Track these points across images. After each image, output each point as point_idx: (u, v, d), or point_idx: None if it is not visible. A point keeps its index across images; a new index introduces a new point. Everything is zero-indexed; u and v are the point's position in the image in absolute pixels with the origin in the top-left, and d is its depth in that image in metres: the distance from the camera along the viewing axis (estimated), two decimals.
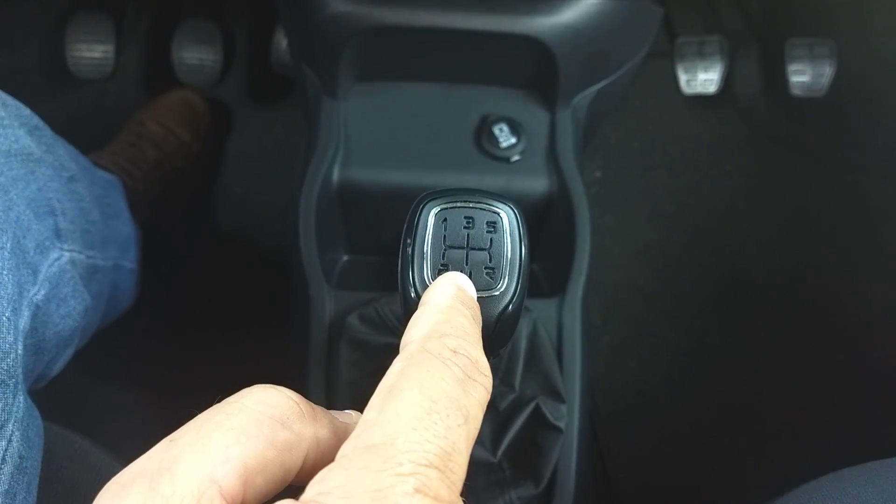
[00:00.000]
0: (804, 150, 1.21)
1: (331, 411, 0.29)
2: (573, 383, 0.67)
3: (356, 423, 0.27)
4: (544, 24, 0.71)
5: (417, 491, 0.22)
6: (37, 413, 0.52)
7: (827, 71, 1.17)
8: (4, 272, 0.50)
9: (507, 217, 0.37)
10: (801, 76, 1.17)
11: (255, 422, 0.25)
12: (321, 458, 0.27)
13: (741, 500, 1.03)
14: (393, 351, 0.36)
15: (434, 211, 0.37)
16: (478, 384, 0.26)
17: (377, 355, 0.66)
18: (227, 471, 0.24)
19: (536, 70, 0.75)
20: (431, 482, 0.22)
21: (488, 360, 0.44)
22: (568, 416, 0.64)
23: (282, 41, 1.19)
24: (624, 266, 1.16)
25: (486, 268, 0.36)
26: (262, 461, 0.25)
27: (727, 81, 1.21)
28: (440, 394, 0.25)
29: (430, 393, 0.25)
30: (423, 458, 0.23)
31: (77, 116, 1.20)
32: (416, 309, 0.36)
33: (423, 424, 0.24)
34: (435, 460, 0.23)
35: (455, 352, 0.27)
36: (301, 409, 0.27)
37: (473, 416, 0.26)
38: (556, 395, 0.64)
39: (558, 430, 0.63)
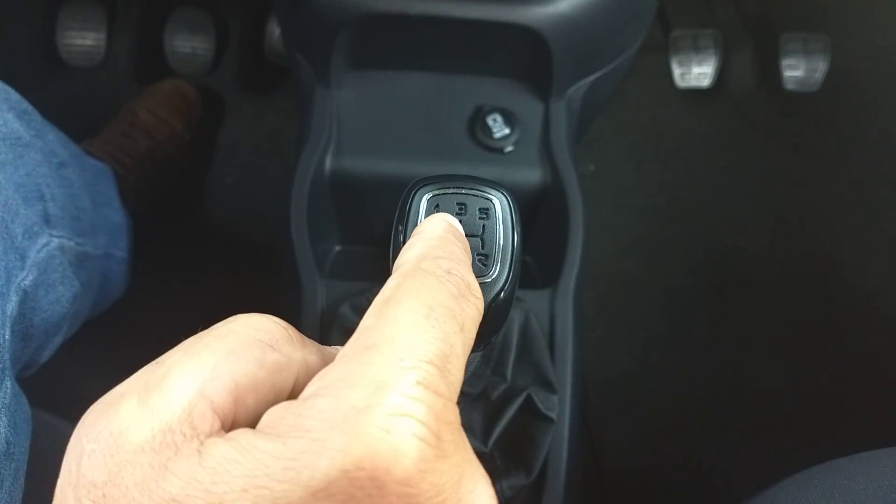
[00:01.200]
0: (797, 144, 1.22)
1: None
2: (565, 374, 0.67)
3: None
4: (539, 13, 0.70)
5: (419, 383, 0.22)
6: (24, 399, 0.52)
7: (821, 66, 1.17)
8: None
9: (499, 204, 0.36)
10: (795, 71, 1.17)
11: (243, 342, 0.25)
12: (308, 381, 0.26)
13: (732, 491, 1.03)
14: None
15: (426, 197, 0.36)
16: (470, 302, 0.27)
17: None
18: (218, 387, 0.23)
19: (531, 60, 0.75)
20: (432, 377, 0.23)
21: (479, 349, 0.44)
22: (559, 407, 0.64)
23: (275, 30, 1.19)
24: (617, 259, 1.16)
25: (478, 254, 0.36)
26: (253, 380, 0.24)
27: (721, 75, 1.21)
28: (437, 303, 0.25)
29: (427, 301, 0.25)
30: (424, 355, 0.23)
31: (68, 104, 1.19)
32: None
33: (422, 327, 0.24)
34: (434, 359, 0.23)
35: (449, 272, 0.27)
36: (289, 333, 0.27)
37: (468, 329, 0.26)
38: (548, 386, 0.64)
39: (550, 420, 0.63)
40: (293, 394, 0.26)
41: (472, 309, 0.27)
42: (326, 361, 0.27)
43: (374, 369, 0.22)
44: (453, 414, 0.23)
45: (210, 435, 0.22)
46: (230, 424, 0.24)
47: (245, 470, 0.21)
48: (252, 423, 0.24)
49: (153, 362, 0.25)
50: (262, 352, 0.25)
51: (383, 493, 0.21)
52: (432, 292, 0.26)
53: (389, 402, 0.21)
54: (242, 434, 0.22)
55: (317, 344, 0.28)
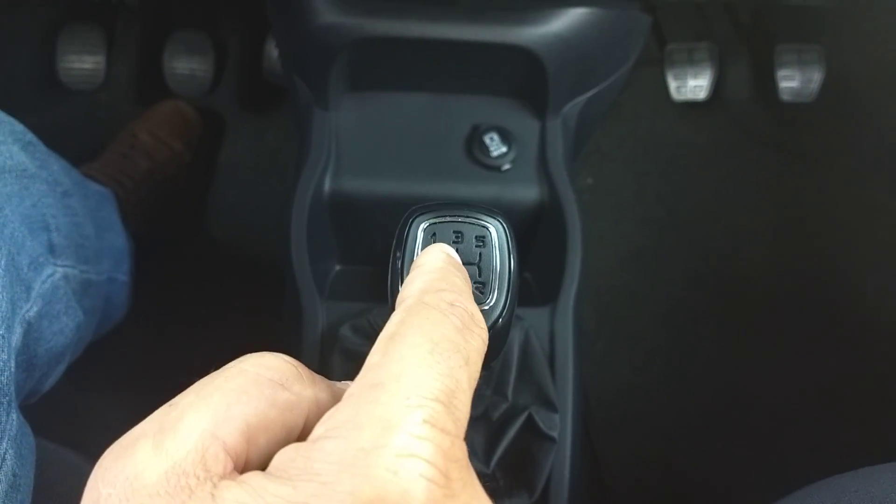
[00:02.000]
0: (794, 154, 1.22)
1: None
2: (566, 392, 0.67)
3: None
4: (533, 33, 0.71)
5: (425, 422, 0.22)
6: (29, 430, 0.52)
7: (816, 76, 1.18)
8: None
9: (495, 231, 0.37)
10: (791, 81, 1.18)
11: (254, 382, 0.25)
12: (318, 419, 0.27)
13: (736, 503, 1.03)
14: None
15: (423, 226, 0.37)
16: (475, 334, 0.27)
17: None
18: (230, 428, 0.24)
19: (526, 79, 0.76)
20: (438, 415, 0.23)
21: (479, 372, 0.44)
22: (561, 426, 0.64)
23: (273, 50, 1.19)
24: (616, 272, 1.17)
25: (475, 282, 0.36)
26: (264, 420, 0.25)
27: (717, 87, 1.22)
28: (441, 337, 0.25)
29: (431, 336, 0.25)
30: (430, 393, 0.23)
31: (68, 127, 1.20)
32: None
33: (427, 363, 0.24)
34: (440, 395, 0.23)
35: (452, 304, 0.27)
36: (299, 371, 0.27)
37: (473, 361, 0.26)
38: (549, 405, 0.64)
39: (551, 439, 0.63)
40: (304, 432, 0.26)
41: (477, 340, 0.27)
42: (337, 398, 0.27)
43: (380, 409, 0.22)
44: (461, 451, 0.23)
45: (223, 477, 0.23)
46: (242, 465, 0.24)
47: None
48: (264, 463, 0.24)
49: (167, 404, 0.25)
50: (272, 391, 0.25)
51: None
52: (436, 326, 0.26)
53: (396, 443, 0.22)
54: (254, 477, 0.22)
55: (326, 381, 0.29)
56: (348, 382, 0.29)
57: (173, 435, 0.23)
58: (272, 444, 0.25)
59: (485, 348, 0.28)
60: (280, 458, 0.23)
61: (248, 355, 0.27)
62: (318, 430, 0.23)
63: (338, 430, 0.22)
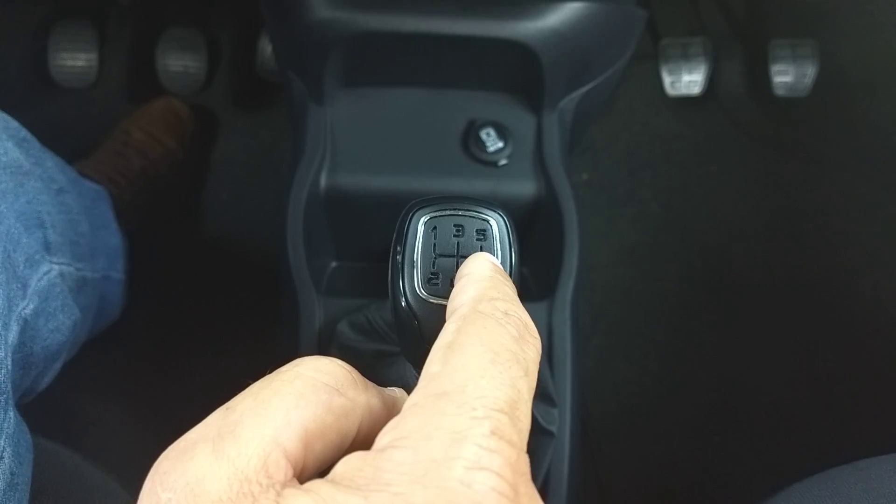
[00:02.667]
0: (788, 149, 1.22)
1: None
2: (564, 387, 0.67)
3: (402, 399, 0.28)
4: (529, 28, 0.71)
5: (493, 433, 0.22)
6: (26, 428, 0.52)
7: (810, 71, 1.18)
8: None
9: (496, 224, 0.37)
10: (785, 76, 1.18)
11: (311, 387, 0.25)
12: (374, 427, 0.26)
13: (733, 499, 1.03)
14: (383, 358, 0.36)
15: (423, 219, 0.36)
16: (531, 344, 0.26)
17: (368, 363, 0.65)
18: (290, 434, 0.23)
19: (522, 74, 0.76)
20: (504, 426, 0.22)
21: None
22: (559, 420, 0.64)
23: (267, 47, 1.19)
24: (612, 267, 1.17)
25: None
26: (321, 426, 0.24)
27: (711, 82, 1.22)
28: (500, 347, 0.25)
29: (491, 346, 0.25)
30: (494, 404, 0.23)
31: (61, 125, 1.19)
32: (407, 318, 0.36)
33: (490, 373, 0.24)
34: (504, 406, 0.23)
35: (506, 314, 0.27)
36: (353, 377, 0.27)
37: (531, 372, 0.26)
38: (548, 399, 0.64)
39: (550, 434, 0.63)
40: (357, 438, 0.26)
41: (533, 351, 0.26)
42: (387, 405, 0.27)
43: (447, 420, 0.22)
44: (525, 465, 0.23)
45: (285, 484, 0.22)
46: (300, 471, 0.24)
47: None
48: (319, 469, 0.24)
49: (223, 407, 0.25)
50: (329, 396, 0.25)
51: None
52: (494, 336, 0.25)
53: (467, 455, 0.21)
54: (321, 485, 0.22)
55: (377, 387, 0.28)
56: (396, 389, 0.30)
57: (233, 440, 0.23)
58: (328, 450, 0.25)
59: (539, 358, 0.27)
60: (345, 467, 0.22)
61: (304, 359, 0.27)
62: (383, 440, 0.23)
63: (406, 441, 0.22)
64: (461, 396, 0.23)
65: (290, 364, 0.26)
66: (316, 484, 0.22)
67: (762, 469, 1.05)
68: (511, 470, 0.22)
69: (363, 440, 0.26)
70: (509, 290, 0.29)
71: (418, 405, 0.23)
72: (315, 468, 0.24)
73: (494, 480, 0.21)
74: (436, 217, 0.37)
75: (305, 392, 0.25)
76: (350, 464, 0.22)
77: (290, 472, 0.23)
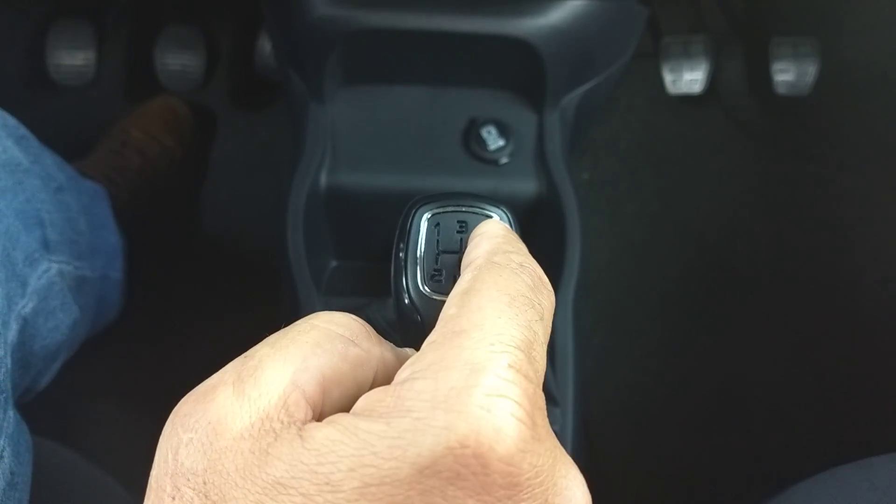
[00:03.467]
0: (790, 148, 1.22)
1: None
2: (566, 386, 0.66)
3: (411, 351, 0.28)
4: (531, 25, 0.71)
5: (510, 366, 0.23)
6: (25, 427, 0.52)
7: (811, 69, 1.18)
8: None
9: (500, 220, 0.36)
10: (786, 75, 1.18)
11: (327, 337, 0.26)
12: (388, 377, 0.27)
13: (734, 499, 1.03)
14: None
15: (426, 216, 0.36)
16: (545, 294, 0.27)
17: None
18: (307, 378, 0.24)
19: (524, 72, 0.75)
20: (522, 362, 0.23)
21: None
22: (561, 419, 0.64)
23: (266, 45, 1.19)
24: (613, 266, 1.16)
25: None
26: (338, 373, 0.25)
27: (712, 81, 1.22)
28: (516, 292, 0.25)
29: (507, 290, 0.25)
30: (511, 341, 0.23)
31: (59, 124, 1.19)
32: (410, 315, 0.36)
33: (507, 314, 0.24)
34: (521, 344, 0.24)
35: (521, 265, 0.27)
36: (367, 330, 0.27)
37: (547, 318, 0.26)
38: (549, 398, 0.64)
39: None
40: (373, 388, 0.27)
41: (547, 299, 0.27)
42: (401, 360, 0.28)
43: (466, 353, 0.23)
44: (542, 399, 0.24)
45: (305, 422, 0.23)
46: (318, 415, 0.24)
47: (350, 450, 0.21)
48: (334, 412, 0.24)
49: (242, 356, 0.26)
50: (344, 346, 0.26)
51: (487, 470, 0.21)
52: (510, 282, 0.26)
53: (486, 383, 0.22)
54: (342, 417, 0.23)
55: (391, 343, 0.29)
56: (408, 350, 0.30)
57: (254, 382, 0.24)
58: (345, 398, 0.25)
59: (553, 308, 0.28)
60: (367, 401, 0.23)
61: (319, 313, 0.27)
62: (403, 374, 0.23)
63: (426, 372, 0.23)
64: (479, 332, 0.23)
65: (306, 318, 0.27)
66: (338, 416, 0.23)
67: (764, 468, 1.05)
68: (529, 401, 0.22)
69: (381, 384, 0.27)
70: (522, 246, 0.30)
71: (435, 342, 0.24)
72: (333, 413, 0.24)
73: (513, 407, 0.22)
74: (439, 213, 0.36)
75: (321, 341, 0.25)
76: (372, 396, 0.23)
77: (310, 413, 0.24)
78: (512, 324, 0.24)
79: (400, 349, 0.29)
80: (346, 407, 0.24)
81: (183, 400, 0.24)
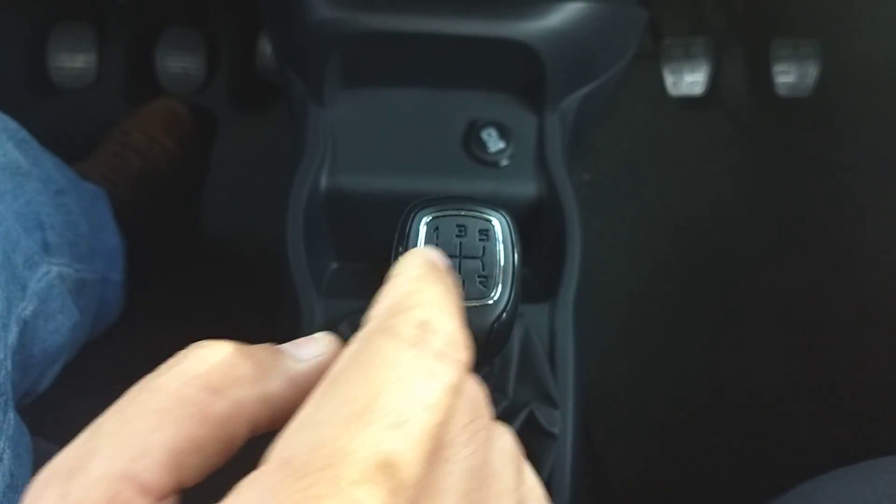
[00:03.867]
0: (791, 150, 1.22)
1: (296, 342, 0.26)
2: (566, 388, 0.66)
3: (321, 361, 0.25)
4: (531, 28, 0.71)
5: None
6: (25, 429, 0.52)
7: (812, 71, 1.18)
8: None
9: (499, 225, 0.36)
10: (787, 76, 1.18)
11: (178, 400, 0.22)
12: (277, 415, 0.24)
13: (735, 500, 1.03)
14: None
15: (425, 219, 0.36)
16: (450, 363, 0.21)
17: None
18: (148, 463, 0.21)
19: (524, 74, 0.75)
20: (360, 499, 0.18)
21: (480, 369, 0.43)
22: (562, 422, 0.64)
23: (266, 48, 1.19)
24: (613, 268, 1.16)
25: (478, 276, 0.36)
26: (194, 441, 0.22)
27: (713, 83, 1.22)
28: (387, 384, 0.20)
29: (375, 383, 0.20)
30: (347, 476, 0.18)
31: (59, 126, 1.19)
32: None
33: (355, 428, 0.19)
34: (368, 471, 0.18)
35: (422, 327, 0.22)
36: (241, 368, 0.23)
37: (437, 407, 0.20)
38: (550, 401, 0.64)
39: (552, 436, 0.62)
40: (257, 430, 0.24)
41: (450, 372, 0.21)
42: (294, 383, 0.24)
43: (280, 499, 0.18)
44: None
45: None
46: (171, 489, 0.21)
47: None
48: (206, 474, 0.22)
49: (91, 427, 0.22)
50: (203, 404, 0.22)
51: None
52: (388, 367, 0.20)
53: None
54: None
55: (285, 361, 0.25)
56: (317, 339, 0.26)
57: (83, 477, 0.20)
58: (209, 459, 0.22)
59: (463, 377, 0.22)
60: None
61: (186, 351, 0.23)
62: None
63: None
64: (308, 465, 0.18)
65: (169, 362, 0.23)
66: None
67: (764, 470, 1.05)
68: None
69: (268, 426, 0.24)
70: (439, 293, 0.24)
71: (264, 472, 0.19)
72: (199, 477, 0.22)
73: None
74: (438, 217, 0.36)
75: (172, 407, 0.22)
76: None
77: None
78: (360, 441, 0.19)
79: (300, 364, 0.25)
80: (213, 465, 0.22)
81: (32, 483, 0.21)
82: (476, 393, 0.25)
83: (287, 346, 0.26)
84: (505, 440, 0.26)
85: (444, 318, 0.23)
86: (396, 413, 0.19)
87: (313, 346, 0.26)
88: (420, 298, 0.23)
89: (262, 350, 0.24)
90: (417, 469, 0.19)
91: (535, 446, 0.62)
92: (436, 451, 0.21)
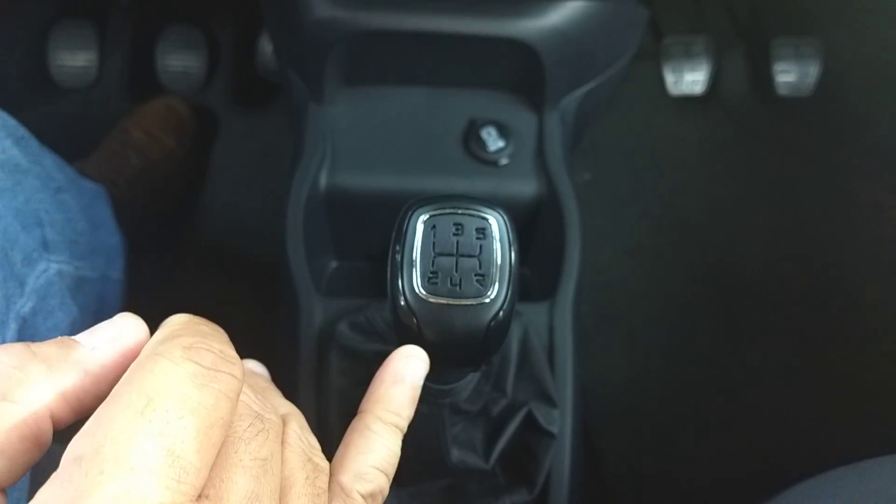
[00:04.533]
0: (791, 149, 1.22)
1: (91, 330, 0.28)
2: (565, 387, 0.66)
3: (121, 345, 0.27)
4: (530, 26, 0.71)
5: (116, 499, 0.20)
6: None
7: (813, 70, 1.18)
8: None
9: (496, 223, 0.36)
10: (788, 75, 1.18)
11: None
12: (78, 406, 0.25)
13: (734, 500, 1.03)
14: (384, 358, 0.35)
15: (423, 218, 0.36)
16: (221, 374, 0.24)
17: (368, 363, 0.65)
18: None
19: (523, 73, 0.75)
20: (139, 486, 0.20)
21: (478, 368, 0.43)
22: (561, 421, 0.64)
23: (267, 46, 1.19)
24: (614, 268, 1.16)
25: (475, 275, 0.35)
26: None
27: (714, 82, 1.21)
28: (159, 390, 0.22)
29: (147, 391, 0.22)
30: (133, 461, 0.21)
31: (60, 125, 1.19)
32: (405, 318, 0.36)
33: (134, 426, 0.21)
34: (150, 462, 0.21)
35: (189, 348, 0.24)
36: (29, 370, 0.24)
37: (208, 406, 0.23)
38: (549, 400, 0.64)
39: (551, 435, 0.62)
40: (61, 424, 0.25)
41: (222, 380, 0.24)
42: (90, 373, 0.25)
43: (70, 492, 0.20)
44: None
45: None
46: None
47: None
48: (16, 477, 0.23)
49: None
50: None
51: None
52: (158, 378, 0.23)
53: None
54: None
55: (80, 349, 0.26)
56: (119, 322, 0.28)
57: None
58: (20, 459, 0.23)
59: (236, 385, 0.25)
60: None
61: None
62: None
63: None
64: (95, 460, 0.21)
65: None
66: None
67: (764, 469, 1.04)
68: None
69: (72, 418, 0.25)
70: (205, 328, 0.27)
71: (59, 471, 0.21)
72: (14, 477, 0.23)
73: None
74: (435, 215, 0.36)
75: None
76: None
77: None
78: (139, 436, 0.21)
79: (98, 354, 0.26)
80: (22, 466, 0.23)
81: None
82: (258, 399, 0.28)
83: (80, 336, 0.27)
84: (291, 434, 0.29)
85: (210, 340, 0.25)
86: (172, 412, 0.22)
87: (109, 329, 0.28)
88: (187, 330, 0.26)
89: (50, 346, 0.26)
90: (196, 457, 0.22)
91: (533, 445, 0.62)
92: (218, 445, 0.23)
